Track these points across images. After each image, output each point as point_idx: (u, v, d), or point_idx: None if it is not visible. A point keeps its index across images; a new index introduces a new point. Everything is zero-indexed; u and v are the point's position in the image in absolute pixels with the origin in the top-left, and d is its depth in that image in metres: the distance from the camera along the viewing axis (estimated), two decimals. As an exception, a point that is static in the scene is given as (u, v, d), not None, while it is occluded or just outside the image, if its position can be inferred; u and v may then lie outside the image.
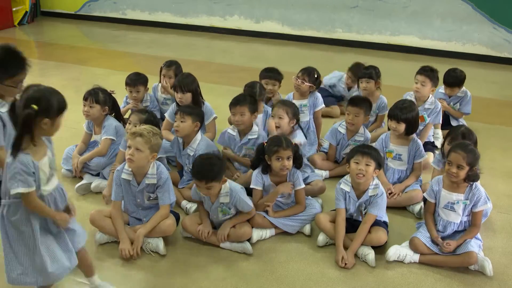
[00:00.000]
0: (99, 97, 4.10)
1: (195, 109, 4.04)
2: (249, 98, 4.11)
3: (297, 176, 3.59)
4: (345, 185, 3.45)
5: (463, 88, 5.17)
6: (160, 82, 4.99)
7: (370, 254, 3.29)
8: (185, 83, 4.32)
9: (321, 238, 3.47)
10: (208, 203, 3.45)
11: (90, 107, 4.09)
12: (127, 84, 4.72)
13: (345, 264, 3.24)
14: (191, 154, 3.90)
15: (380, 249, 3.35)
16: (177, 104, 4.40)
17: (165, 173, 3.42)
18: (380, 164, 3.38)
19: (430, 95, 4.72)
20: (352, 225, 3.44)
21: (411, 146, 3.98)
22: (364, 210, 3.43)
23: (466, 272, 3.22)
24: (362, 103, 4.26)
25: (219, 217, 3.46)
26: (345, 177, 3.50)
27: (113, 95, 4.25)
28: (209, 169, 3.24)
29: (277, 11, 9.12)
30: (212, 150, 3.71)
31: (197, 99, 4.37)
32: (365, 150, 3.38)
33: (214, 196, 3.37)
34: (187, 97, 4.31)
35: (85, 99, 4.12)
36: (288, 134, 3.95)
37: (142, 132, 3.30)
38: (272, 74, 4.85)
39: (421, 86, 4.66)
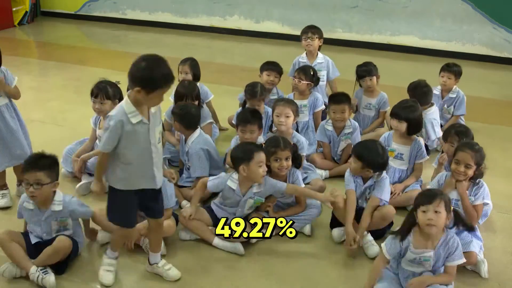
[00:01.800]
0: (109, 92, 4.01)
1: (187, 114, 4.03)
2: (258, 114, 4.09)
3: (296, 176, 3.60)
4: None
5: (455, 87, 5.12)
6: (178, 80, 5.01)
7: (375, 247, 3.31)
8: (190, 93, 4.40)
9: (336, 232, 3.48)
10: (236, 196, 3.42)
11: (101, 103, 4.00)
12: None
13: (352, 244, 3.27)
14: (186, 150, 3.95)
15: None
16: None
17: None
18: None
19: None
20: (357, 213, 3.44)
21: (413, 146, 3.99)
22: (368, 195, 3.46)
23: (466, 272, 3.22)
24: (345, 99, 4.33)
25: (246, 210, 3.46)
26: None
27: (118, 85, 4.20)
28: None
29: (277, 11, 9.12)
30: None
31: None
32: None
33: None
34: None
35: (95, 96, 4.01)
36: (288, 135, 3.98)
37: None
38: (274, 66, 4.95)
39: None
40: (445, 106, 5.12)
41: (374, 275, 2.94)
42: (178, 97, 4.40)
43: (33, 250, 3.12)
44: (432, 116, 4.62)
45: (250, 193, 3.42)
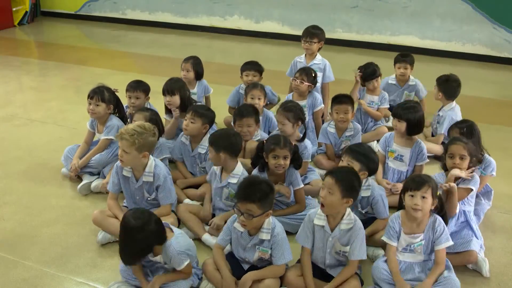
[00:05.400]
0: (104, 96, 4.12)
1: (207, 111, 4.06)
2: (254, 108, 4.16)
3: (295, 176, 3.60)
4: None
5: (410, 76, 5.39)
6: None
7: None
8: (174, 87, 4.40)
9: None
10: (217, 182, 3.39)
11: (96, 105, 4.11)
12: (127, 90, 4.51)
13: None
14: (202, 152, 3.96)
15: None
16: (166, 108, 4.52)
17: (163, 171, 3.43)
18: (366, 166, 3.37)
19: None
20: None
21: (414, 148, 4.00)
22: (363, 210, 3.44)
23: (466, 271, 3.22)
24: (348, 100, 4.33)
25: (223, 200, 3.38)
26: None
27: (116, 93, 4.27)
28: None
29: (277, 11, 9.13)
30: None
31: (185, 103, 4.42)
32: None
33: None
34: (175, 99, 4.39)
35: (90, 97, 4.12)
36: (292, 137, 3.97)
37: (123, 135, 3.31)
38: (251, 65, 4.95)
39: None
40: (406, 92, 5.34)
41: (394, 265, 2.96)
42: (164, 91, 4.44)
43: None
44: (453, 113, 4.79)
45: (225, 181, 3.47)
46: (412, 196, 2.90)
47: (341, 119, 4.31)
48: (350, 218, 2.95)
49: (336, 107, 4.31)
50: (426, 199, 2.88)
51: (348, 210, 2.97)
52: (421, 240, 2.96)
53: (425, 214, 2.93)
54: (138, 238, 2.71)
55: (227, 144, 3.44)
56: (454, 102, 4.87)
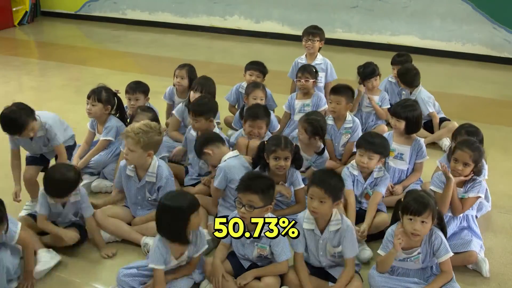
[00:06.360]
0: (101, 96, 4.12)
1: (205, 106, 4.04)
2: (267, 110, 4.13)
3: (296, 176, 3.60)
4: (353, 169, 3.57)
5: None
6: (174, 85, 4.96)
7: (367, 251, 3.33)
8: (207, 86, 4.49)
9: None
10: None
11: (92, 105, 4.12)
12: (126, 92, 4.50)
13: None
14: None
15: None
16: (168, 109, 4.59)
17: (165, 172, 3.43)
18: (384, 154, 3.54)
19: None
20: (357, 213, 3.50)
21: (413, 146, 4.00)
22: (370, 190, 3.53)
23: (466, 272, 3.23)
24: (343, 91, 4.31)
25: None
26: (352, 162, 3.61)
27: (118, 94, 4.26)
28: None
29: (277, 11, 9.13)
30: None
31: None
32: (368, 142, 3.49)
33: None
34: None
35: (88, 97, 4.14)
36: (310, 146, 4.00)
37: (129, 134, 3.31)
38: (256, 66, 4.99)
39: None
40: (404, 92, 5.29)
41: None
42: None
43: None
44: (423, 94, 5.02)
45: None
46: (411, 219, 2.80)
47: (332, 109, 4.32)
48: (338, 218, 2.96)
49: (331, 97, 4.34)
50: (425, 224, 2.79)
51: (335, 210, 2.96)
52: (418, 254, 2.92)
53: (423, 237, 2.87)
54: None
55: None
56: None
